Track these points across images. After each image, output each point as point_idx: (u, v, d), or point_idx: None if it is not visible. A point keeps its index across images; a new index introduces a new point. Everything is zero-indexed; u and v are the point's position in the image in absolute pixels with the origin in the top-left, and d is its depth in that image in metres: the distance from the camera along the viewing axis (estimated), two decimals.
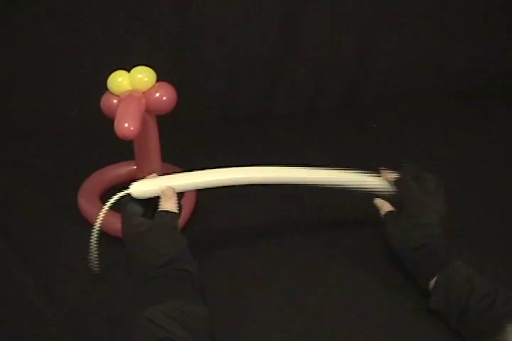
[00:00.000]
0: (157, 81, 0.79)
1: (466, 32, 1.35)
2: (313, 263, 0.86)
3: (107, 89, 0.78)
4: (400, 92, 1.40)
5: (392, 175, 0.86)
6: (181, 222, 0.89)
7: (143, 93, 0.77)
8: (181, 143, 1.16)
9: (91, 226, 0.91)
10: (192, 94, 1.20)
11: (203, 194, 0.91)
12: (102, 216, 0.74)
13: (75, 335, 0.73)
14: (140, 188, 0.73)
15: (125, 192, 0.73)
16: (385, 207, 0.86)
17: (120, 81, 0.77)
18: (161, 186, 0.73)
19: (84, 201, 0.94)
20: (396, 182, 0.85)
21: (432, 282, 0.75)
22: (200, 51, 1.20)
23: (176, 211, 0.73)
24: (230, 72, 1.25)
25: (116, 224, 0.89)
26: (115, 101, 0.76)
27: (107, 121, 0.74)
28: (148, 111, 0.77)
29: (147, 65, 0.78)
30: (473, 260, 0.79)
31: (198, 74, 1.23)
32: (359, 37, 1.29)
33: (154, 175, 0.76)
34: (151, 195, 0.74)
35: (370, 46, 1.31)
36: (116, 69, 0.78)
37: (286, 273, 0.84)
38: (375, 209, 0.87)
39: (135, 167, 0.92)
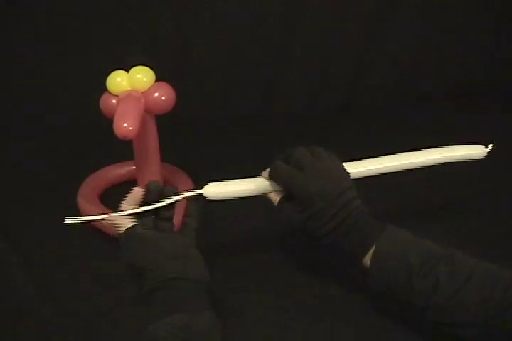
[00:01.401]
0: (156, 81, 0.79)
1: (466, 32, 1.36)
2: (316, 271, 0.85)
3: (106, 89, 0.78)
4: (400, 92, 1.40)
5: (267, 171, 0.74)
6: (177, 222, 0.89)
7: (142, 93, 0.77)
8: (180, 142, 1.16)
9: (90, 225, 0.91)
10: (191, 94, 1.20)
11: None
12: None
13: (75, 335, 0.73)
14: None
15: (198, 192, 0.72)
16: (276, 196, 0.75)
17: (119, 81, 0.77)
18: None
19: (84, 201, 0.94)
20: (270, 176, 0.73)
21: (367, 259, 0.69)
22: (199, 51, 1.20)
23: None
24: (229, 72, 1.25)
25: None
26: (114, 101, 0.76)
27: (107, 121, 0.74)
28: (147, 111, 0.77)
29: (146, 65, 0.78)
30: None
31: (197, 74, 1.24)
32: (359, 37, 1.29)
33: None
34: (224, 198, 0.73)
35: (370, 46, 1.31)
36: (115, 69, 0.78)
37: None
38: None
39: (134, 167, 0.92)
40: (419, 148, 1.19)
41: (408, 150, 0.85)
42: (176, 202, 0.71)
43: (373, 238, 0.69)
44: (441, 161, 0.81)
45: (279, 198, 0.73)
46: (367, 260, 0.69)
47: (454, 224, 0.95)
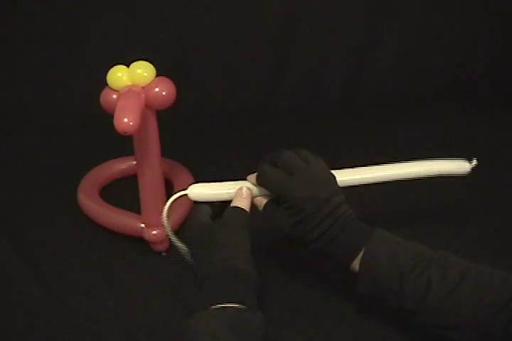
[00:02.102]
0: (156, 76, 0.78)
1: (466, 30, 1.35)
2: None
3: (106, 84, 0.78)
4: (400, 89, 1.40)
5: (254, 176, 0.73)
6: (178, 220, 0.89)
7: (142, 88, 0.76)
8: (181, 138, 1.16)
9: (90, 221, 0.91)
10: (192, 89, 1.20)
11: None
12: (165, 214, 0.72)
13: (75, 335, 0.73)
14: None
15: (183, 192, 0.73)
16: (262, 200, 0.74)
17: (119, 76, 0.76)
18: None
19: (84, 196, 0.94)
20: (258, 181, 0.72)
21: (355, 263, 0.68)
22: (200, 46, 1.20)
23: (248, 210, 0.71)
24: (230, 67, 1.25)
25: (112, 218, 0.90)
26: (115, 96, 0.76)
27: (107, 116, 0.74)
28: (147, 106, 0.76)
29: (146, 60, 0.78)
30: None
31: (197, 69, 1.23)
32: (359, 33, 1.29)
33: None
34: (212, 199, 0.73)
35: (370, 42, 1.31)
36: (115, 64, 0.78)
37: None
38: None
39: (135, 162, 0.92)
40: (418, 145, 1.20)
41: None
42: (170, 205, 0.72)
43: (362, 241, 0.68)
44: (423, 175, 0.80)
45: (264, 202, 0.73)
46: (355, 264, 0.68)
47: (449, 228, 0.94)
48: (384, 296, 0.67)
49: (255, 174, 0.72)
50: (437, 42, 1.36)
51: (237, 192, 0.72)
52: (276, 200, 0.72)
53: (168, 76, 0.80)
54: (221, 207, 0.73)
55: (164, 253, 0.88)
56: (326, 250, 0.69)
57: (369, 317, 0.76)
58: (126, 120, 0.70)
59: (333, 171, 0.73)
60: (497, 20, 1.36)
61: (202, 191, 0.73)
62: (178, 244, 0.72)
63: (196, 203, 0.73)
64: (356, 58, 1.32)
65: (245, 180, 0.74)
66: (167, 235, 0.73)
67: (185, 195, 0.73)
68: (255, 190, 0.73)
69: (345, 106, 1.38)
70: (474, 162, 0.81)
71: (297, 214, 0.68)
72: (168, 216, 0.73)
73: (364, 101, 1.39)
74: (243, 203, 0.71)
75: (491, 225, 0.95)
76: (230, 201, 0.73)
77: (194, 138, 1.19)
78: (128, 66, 0.77)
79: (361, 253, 0.68)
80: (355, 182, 0.76)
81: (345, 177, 0.74)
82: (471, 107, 1.39)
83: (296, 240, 0.70)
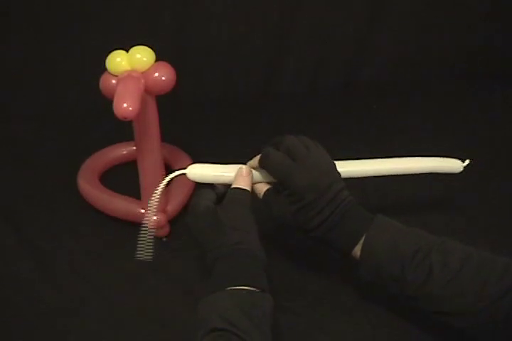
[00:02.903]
0: (156, 61, 0.78)
1: (468, 10, 1.34)
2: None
3: (105, 69, 0.77)
4: (401, 71, 1.39)
5: (256, 160, 0.73)
6: (178, 207, 0.89)
7: (142, 73, 0.76)
8: (181, 123, 1.15)
9: (90, 206, 0.91)
10: (191, 74, 1.20)
11: None
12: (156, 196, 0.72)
13: (80, 326, 0.74)
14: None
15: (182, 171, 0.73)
16: (262, 187, 0.74)
17: (119, 61, 0.76)
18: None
19: (84, 182, 0.94)
20: (261, 163, 0.71)
21: (357, 250, 0.68)
22: (199, 31, 1.19)
23: (249, 190, 0.71)
24: (230, 52, 1.25)
25: (112, 204, 0.90)
26: (114, 81, 0.76)
27: (106, 102, 0.74)
28: (147, 91, 0.76)
29: (146, 45, 0.78)
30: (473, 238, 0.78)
31: (197, 54, 1.23)
32: (359, 16, 1.28)
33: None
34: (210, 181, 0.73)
35: (370, 25, 1.30)
36: (114, 49, 0.77)
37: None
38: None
39: (134, 147, 0.92)
40: (420, 128, 1.20)
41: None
42: (167, 183, 0.72)
43: (363, 228, 0.68)
44: (417, 172, 0.81)
45: (264, 190, 0.73)
46: (356, 251, 0.68)
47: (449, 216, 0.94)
48: (385, 282, 0.68)
49: (257, 158, 0.72)
50: (438, 22, 1.35)
51: (238, 172, 0.72)
52: (276, 188, 0.72)
53: (167, 61, 0.79)
54: (224, 192, 0.73)
55: (165, 239, 0.88)
56: (327, 237, 0.69)
57: (369, 304, 0.76)
58: (125, 105, 0.69)
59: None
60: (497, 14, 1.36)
61: (201, 171, 0.73)
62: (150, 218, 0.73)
63: (199, 188, 0.73)
64: (357, 37, 1.31)
65: (246, 164, 0.74)
66: (150, 206, 0.72)
67: (184, 174, 0.72)
68: (256, 174, 0.73)
69: (346, 86, 1.38)
70: (467, 161, 0.83)
71: (298, 202, 0.68)
72: (160, 193, 0.72)
73: (365, 80, 1.39)
74: (244, 183, 0.71)
75: (491, 205, 0.96)
76: (231, 185, 0.72)
77: (194, 124, 1.19)
78: (127, 51, 0.77)
79: (362, 240, 0.68)
80: (349, 175, 0.76)
81: (340, 168, 0.73)
82: (472, 86, 1.38)
83: (296, 227, 0.70)
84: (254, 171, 0.73)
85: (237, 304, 0.59)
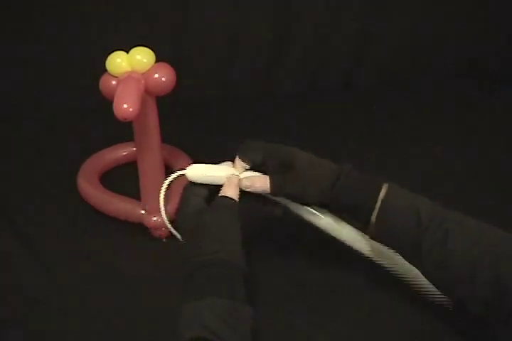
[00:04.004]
0: (156, 62, 0.78)
1: (466, 11, 1.34)
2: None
3: (105, 70, 0.77)
4: (401, 71, 1.40)
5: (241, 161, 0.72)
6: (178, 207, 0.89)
7: (142, 74, 0.76)
8: (181, 124, 1.15)
9: (90, 206, 0.91)
10: (192, 75, 1.20)
11: None
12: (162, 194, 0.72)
13: (80, 326, 0.74)
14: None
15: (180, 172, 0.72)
16: (258, 179, 0.72)
17: (119, 62, 0.76)
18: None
19: (85, 183, 0.94)
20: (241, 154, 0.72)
21: (373, 217, 0.67)
22: (199, 31, 1.19)
23: (237, 200, 0.70)
24: (230, 52, 1.25)
25: (112, 204, 0.90)
26: (114, 82, 0.76)
27: (106, 103, 0.74)
28: (147, 92, 0.76)
29: (146, 46, 0.78)
30: None
31: (197, 54, 1.23)
32: (360, 15, 1.28)
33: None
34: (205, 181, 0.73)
35: (371, 25, 1.30)
36: (115, 50, 0.77)
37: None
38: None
39: (135, 148, 0.92)
40: (420, 128, 1.20)
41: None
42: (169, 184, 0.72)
43: (379, 186, 0.68)
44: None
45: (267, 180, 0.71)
46: (373, 211, 0.67)
47: None
48: (399, 246, 0.67)
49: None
50: (438, 22, 1.35)
51: (227, 181, 0.71)
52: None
53: (167, 62, 0.79)
54: (216, 190, 0.72)
55: (165, 240, 0.88)
56: (341, 201, 0.69)
57: (370, 304, 0.76)
58: (125, 106, 0.69)
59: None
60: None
61: (201, 172, 0.72)
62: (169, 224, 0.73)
63: (192, 184, 0.73)
64: (358, 37, 1.31)
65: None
66: (160, 211, 0.73)
67: (183, 175, 0.72)
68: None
69: (346, 86, 1.38)
70: None
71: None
72: (164, 197, 0.72)
73: (365, 80, 1.39)
74: (232, 192, 0.70)
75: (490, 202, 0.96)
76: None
77: (194, 124, 1.19)
78: (127, 52, 0.77)
79: (379, 203, 0.67)
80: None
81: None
82: (472, 86, 1.38)
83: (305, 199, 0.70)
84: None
85: (217, 314, 0.59)
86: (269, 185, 0.70)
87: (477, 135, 1.19)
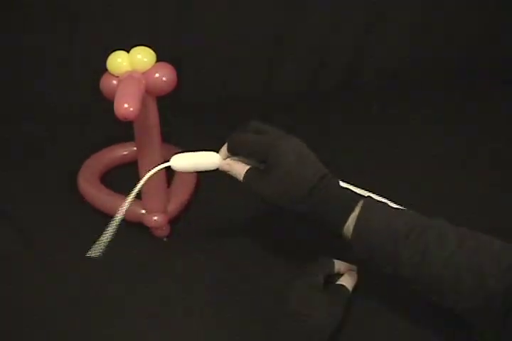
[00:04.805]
0: (157, 61, 0.78)
1: (466, 11, 1.34)
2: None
3: (106, 69, 0.77)
4: (401, 70, 1.39)
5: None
6: (178, 207, 0.89)
7: (142, 74, 0.76)
8: (181, 123, 1.15)
9: (90, 206, 0.91)
10: (192, 74, 1.19)
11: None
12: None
13: (80, 326, 0.74)
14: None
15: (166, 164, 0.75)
16: (237, 167, 0.75)
17: (119, 61, 0.76)
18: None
19: (85, 182, 0.94)
20: (232, 147, 0.75)
21: (349, 225, 0.67)
22: (199, 31, 1.19)
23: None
24: (230, 52, 1.24)
25: (112, 204, 0.90)
26: (114, 82, 0.76)
27: (107, 102, 0.74)
28: (148, 91, 0.76)
29: (147, 45, 0.78)
30: None
31: (198, 55, 1.23)
32: (361, 15, 1.28)
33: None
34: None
35: (371, 24, 1.30)
36: (115, 50, 0.77)
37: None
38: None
39: (135, 148, 0.92)
40: (420, 127, 1.20)
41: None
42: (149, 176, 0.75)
43: (355, 202, 0.68)
44: None
45: (243, 172, 0.73)
46: (349, 226, 0.67)
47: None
48: (379, 262, 0.67)
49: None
50: (438, 21, 1.34)
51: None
52: (255, 167, 0.73)
53: (168, 61, 0.79)
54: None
55: (165, 239, 0.88)
56: (316, 213, 0.69)
57: (370, 303, 0.76)
58: (126, 106, 0.69)
59: None
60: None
61: (185, 161, 0.75)
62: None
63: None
64: (357, 36, 1.31)
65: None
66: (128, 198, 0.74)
67: (169, 166, 0.75)
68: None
69: (345, 85, 1.37)
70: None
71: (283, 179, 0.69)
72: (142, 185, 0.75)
73: (365, 80, 1.39)
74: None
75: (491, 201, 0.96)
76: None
77: (194, 124, 1.19)
78: (128, 51, 0.77)
79: (353, 214, 0.67)
80: None
81: None
82: (472, 86, 1.38)
83: (282, 205, 0.71)
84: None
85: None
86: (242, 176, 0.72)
87: (478, 135, 1.19)
